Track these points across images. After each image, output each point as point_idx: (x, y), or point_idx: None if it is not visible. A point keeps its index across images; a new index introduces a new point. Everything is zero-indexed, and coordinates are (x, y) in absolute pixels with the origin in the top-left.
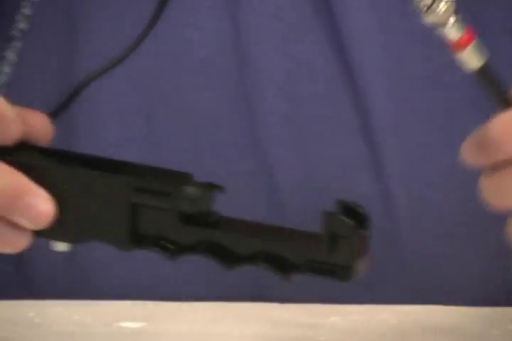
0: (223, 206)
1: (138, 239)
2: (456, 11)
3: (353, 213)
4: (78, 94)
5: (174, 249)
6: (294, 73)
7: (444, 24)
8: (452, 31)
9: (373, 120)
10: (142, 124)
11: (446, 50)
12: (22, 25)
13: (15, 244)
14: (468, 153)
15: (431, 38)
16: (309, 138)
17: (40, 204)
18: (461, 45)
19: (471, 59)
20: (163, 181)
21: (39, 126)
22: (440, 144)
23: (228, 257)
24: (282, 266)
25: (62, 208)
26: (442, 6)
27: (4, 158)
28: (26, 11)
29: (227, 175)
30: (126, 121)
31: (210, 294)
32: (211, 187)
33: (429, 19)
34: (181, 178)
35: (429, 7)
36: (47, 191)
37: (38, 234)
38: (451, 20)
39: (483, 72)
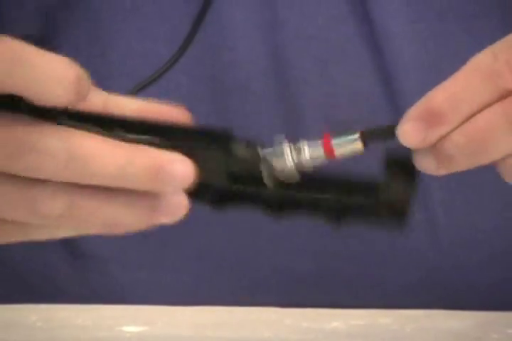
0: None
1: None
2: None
3: (403, 166)
4: None
5: (220, 202)
6: (334, 96)
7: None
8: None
9: None
10: None
11: None
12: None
13: (177, 212)
14: (413, 129)
15: None
16: (355, 167)
17: (182, 167)
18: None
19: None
20: (207, 144)
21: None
22: (486, 170)
23: (275, 210)
24: (330, 215)
25: None
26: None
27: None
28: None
29: None
30: None
31: (211, 299)
32: (255, 145)
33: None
34: (223, 138)
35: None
36: None
37: None
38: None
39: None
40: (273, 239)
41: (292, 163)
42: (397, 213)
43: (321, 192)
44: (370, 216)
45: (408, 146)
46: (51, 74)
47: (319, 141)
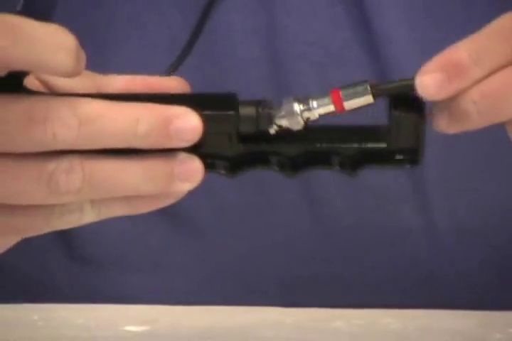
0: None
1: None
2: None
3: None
4: None
5: (234, 168)
6: None
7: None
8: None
9: None
10: None
11: None
12: None
13: (193, 177)
14: (433, 80)
15: None
16: None
17: (190, 119)
18: (338, 104)
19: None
20: (215, 107)
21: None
22: (486, 174)
23: (288, 165)
24: (344, 163)
25: None
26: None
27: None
28: None
29: (269, 208)
30: None
31: (208, 302)
32: (261, 104)
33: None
34: (230, 101)
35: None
36: None
37: None
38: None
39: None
40: (272, 243)
41: (303, 122)
42: (411, 150)
43: (332, 143)
44: (386, 159)
45: (425, 97)
46: (53, 43)
47: (328, 97)
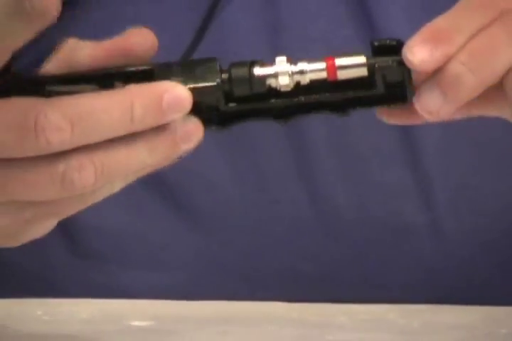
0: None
1: None
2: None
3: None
4: None
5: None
6: None
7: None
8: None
9: (421, 148)
10: None
11: None
12: None
13: (195, 136)
14: (420, 50)
15: None
16: (357, 165)
17: (178, 91)
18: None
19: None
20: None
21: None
22: (488, 171)
23: (282, 118)
24: (334, 107)
25: None
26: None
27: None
28: None
29: (272, 204)
30: None
31: (217, 293)
32: (254, 65)
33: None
34: (207, 66)
35: None
36: None
37: None
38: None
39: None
40: (275, 239)
41: (292, 85)
42: (398, 89)
43: (320, 94)
44: (375, 101)
45: (417, 68)
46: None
47: (322, 63)
